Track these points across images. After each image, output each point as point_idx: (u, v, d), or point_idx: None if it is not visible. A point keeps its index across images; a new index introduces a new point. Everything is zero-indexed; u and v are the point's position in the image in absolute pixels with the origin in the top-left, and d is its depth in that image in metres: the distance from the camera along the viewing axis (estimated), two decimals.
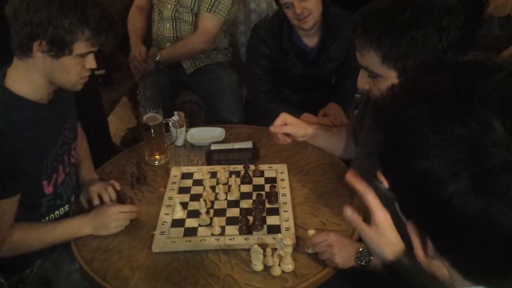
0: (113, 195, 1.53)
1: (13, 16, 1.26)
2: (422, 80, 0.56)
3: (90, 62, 1.37)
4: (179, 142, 1.89)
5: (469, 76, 0.53)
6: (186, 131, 1.91)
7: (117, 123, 3.26)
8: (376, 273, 1.21)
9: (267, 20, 2.19)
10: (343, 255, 1.25)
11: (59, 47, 1.28)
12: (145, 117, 1.78)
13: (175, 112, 1.92)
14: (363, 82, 1.28)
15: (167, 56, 2.44)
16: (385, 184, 0.59)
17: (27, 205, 1.39)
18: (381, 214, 0.93)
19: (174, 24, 2.45)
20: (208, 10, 2.37)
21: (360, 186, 0.92)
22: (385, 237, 0.95)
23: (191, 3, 2.40)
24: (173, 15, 2.43)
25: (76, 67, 1.34)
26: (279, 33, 2.13)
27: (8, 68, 1.35)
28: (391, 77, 1.18)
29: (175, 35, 2.47)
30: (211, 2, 2.36)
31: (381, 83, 1.21)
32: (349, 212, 0.95)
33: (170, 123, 1.86)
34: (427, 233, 0.57)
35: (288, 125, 1.62)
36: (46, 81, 1.36)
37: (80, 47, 1.30)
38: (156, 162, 1.79)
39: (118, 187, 1.57)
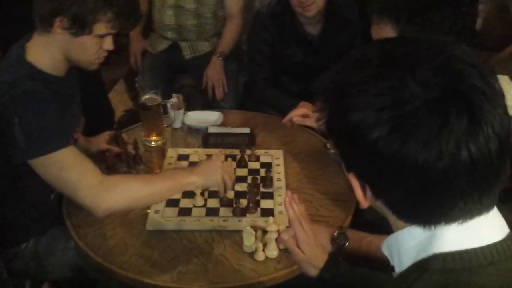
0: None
1: None
2: (355, 52, 0.68)
3: (108, 43, 1.37)
4: (177, 124, 1.90)
5: (390, 46, 0.65)
6: (184, 113, 1.92)
7: (113, 105, 3.25)
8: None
9: (270, 6, 2.18)
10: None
11: (80, 26, 1.28)
12: (143, 98, 1.79)
13: (174, 94, 1.93)
14: None
15: (227, 51, 2.44)
16: (333, 150, 0.68)
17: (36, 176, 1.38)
18: (301, 235, 1.10)
19: (176, 11, 2.43)
20: None
21: (291, 213, 1.11)
22: (308, 256, 1.09)
23: None
24: (176, 2, 2.41)
25: (93, 47, 1.34)
26: (281, 20, 2.12)
27: (27, 43, 1.36)
28: None
29: (176, 23, 2.44)
30: None
31: None
32: (284, 236, 1.14)
33: (168, 105, 1.87)
34: (365, 179, 0.66)
35: (310, 117, 1.70)
36: (64, 57, 1.37)
37: (100, 28, 1.31)
38: (153, 143, 1.79)
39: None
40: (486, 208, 0.63)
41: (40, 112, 1.25)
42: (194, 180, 1.32)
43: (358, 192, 0.67)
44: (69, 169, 1.24)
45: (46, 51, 1.35)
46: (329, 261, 1.07)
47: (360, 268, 1.10)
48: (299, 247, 1.10)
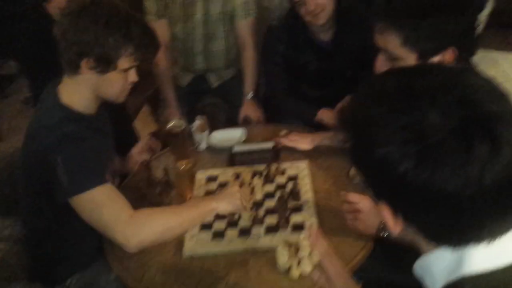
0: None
1: (62, 36, 1.35)
2: (373, 84, 0.71)
3: (133, 76, 1.46)
4: (203, 146, 1.96)
5: (408, 78, 0.67)
6: (208, 135, 1.97)
7: (138, 128, 3.34)
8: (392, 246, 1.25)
9: (281, 18, 2.22)
10: (367, 223, 1.32)
11: (105, 64, 1.37)
12: (168, 125, 1.85)
13: (197, 117, 1.98)
14: (381, 65, 1.31)
15: (254, 85, 2.45)
16: (357, 179, 0.70)
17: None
18: (332, 270, 1.08)
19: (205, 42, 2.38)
20: (246, 15, 2.33)
21: (320, 249, 1.10)
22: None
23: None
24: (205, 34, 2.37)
25: (120, 81, 1.43)
26: (294, 30, 2.15)
27: (59, 86, 1.44)
28: (410, 59, 1.22)
29: (204, 49, 2.40)
30: (244, 7, 2.31)
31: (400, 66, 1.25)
32: (315, 276, 1.12)
33: (193, 129, 1.92)
34: (395, 207, 0.68)
35: (292, 140, 1.82)
36: (94, 96, 1.45)
37: (124, 62, 1.39)
38: (182, 167, 1.85)
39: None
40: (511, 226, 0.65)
41: (81, 151, 1.34)
42: (216, 206, 1.37)
43: (390, 220, 0.69)
44: (103, 206, 1.30)
45: (78, 92, 1.43)
46: None
47: None
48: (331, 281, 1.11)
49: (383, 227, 1.30)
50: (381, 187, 0.69)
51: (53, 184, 1.34)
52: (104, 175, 1.37)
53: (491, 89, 0.64)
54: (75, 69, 1.38)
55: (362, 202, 1.35)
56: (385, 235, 1.30)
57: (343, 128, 0.73)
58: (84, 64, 1.36)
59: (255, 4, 2.35)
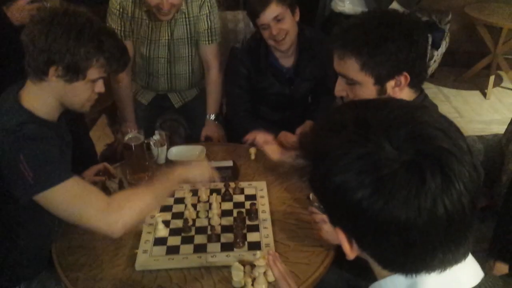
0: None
1: (31, 42, 1.32)
2: (331, 116, 0.73)
3: (100, 86, 1.45)
4: (161, 161, 1.94)
5: (365, 111, 0.69)
6: (167, 149, 1.95)
7: (95, 139, 3.27)
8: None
9: (244, 41, 2.26)
10: (333, 234, 1.32)
11: (74, 73, 1.35)
12: (126, 137, 1.82)
13: (156, 131, 1.97)
14: (340, 89, 1.38)
15: (217, 106, 2.45)
16: (316, 202, 0.74)
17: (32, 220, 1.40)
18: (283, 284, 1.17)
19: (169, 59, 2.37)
20: (210, 41, 2.33)
21: (277, 272, 1.18)
22: None
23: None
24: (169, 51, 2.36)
25: (87, 91, 1.41)
26: (256, 54, 2.20)
27: (21, 90, 1.40)
28: (368, 83, 1.29)
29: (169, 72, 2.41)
30: (208, 33, 2.31)
31: (358, 90, 1.32)
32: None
33: (151, 143, 1.90)
34: (350, 233, 0.70)
35: (268, 145, 1.82)
36: (58, 103, 1.43)
37: (93, 73, 1.38)
38: (138, 181, 1.82)
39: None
40: (463, 256, 0.68)
41: (44, 148, 1.31)
42: (181, 172, 1.42)
43: (345, 245, 0.71)
44: (77, 198, 1.29)
45: (41, 98, 1.40)
46: None
47: None
48: None
49: None
50: (337, 214, 0.71)
51: (14, 184, 1.29)
52: (69, 170, 1.35)
53: (446, 125, 0.66)
54: (41, 75, 1.35)
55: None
56: None
57: (303, 156, 0.75)
58: (52, 71, 1.34)
59: (220, 29, 2.37)
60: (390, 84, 1.29)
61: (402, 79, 1.28)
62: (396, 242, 0.64)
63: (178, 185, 1.47)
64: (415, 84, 1.32)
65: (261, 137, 1.88)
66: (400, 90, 1.30)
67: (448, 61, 4.05)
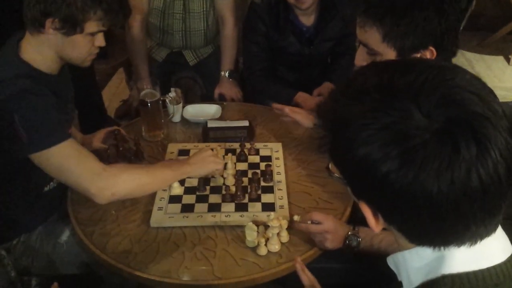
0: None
1: None
2: (353, 82, 0.67)
3: (100, 40, 1.42)
4: (176, 119, 1.92)
5: (390, 74, 0.63)
6: (183, 107, 1.93)
7: (111, 95, 3.26)
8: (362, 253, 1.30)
9: None
10: (335, 242, 1.31)
11: (71, 25, 1.32)
12: (142, 93, 1.80)
13: (172, 89, 1.94)
14: (360, 59, 1.30)
15: (232, 63, 2.40)
16: (337, 173, 0.70)
17: (28, 171, 1.40)
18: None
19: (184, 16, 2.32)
20: None
21: (306, 279, 1.13)
22: None
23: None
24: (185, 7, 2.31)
25: (86, 44, 1.39)
26: (276, 11, 2.13)
27: (21, 42, 1.38)
28: (389, 55, 1.21)
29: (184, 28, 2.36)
30: None
31: None
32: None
33: (167, 100, 1.88)
34: (376, 207, 0.66)
35: (295, 112, 1.75)
36: (57, 56, 1.40)
37: (91, 26, 1.35)
38: (153, 138, 1.81)
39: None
40: (494, 229, 0.65)
41: (39, 108, 1.29)
42: (188, 170, 1.41)
43: (370, 219, 0.68)
44: (72, 159, 1.28)
45: (39, 51, 1.38)
46: None
47: None
48: None
49: (347, 238, 1.30)
50: (361, 188, 0.67)
51: (11, 139, 1.28)
52: (67, 131, 1.35)
53: (480, 88, 0.61)
54: (38, 27, 1.33)
55: (327, 222, 1.31)
56: (354, 247, 1.30)
57: (322, 126, 0.71)
58: (48, 23, 1.31)
59: None
60: None
61: (428, 53, 1.19)
62: (427, 216, 0.61)
63: (179, 179, 1.45)
64: (442, 60, 1.20)
65: (289, 109, 1.79)
66: None
67: (472, 24, 3.91)
